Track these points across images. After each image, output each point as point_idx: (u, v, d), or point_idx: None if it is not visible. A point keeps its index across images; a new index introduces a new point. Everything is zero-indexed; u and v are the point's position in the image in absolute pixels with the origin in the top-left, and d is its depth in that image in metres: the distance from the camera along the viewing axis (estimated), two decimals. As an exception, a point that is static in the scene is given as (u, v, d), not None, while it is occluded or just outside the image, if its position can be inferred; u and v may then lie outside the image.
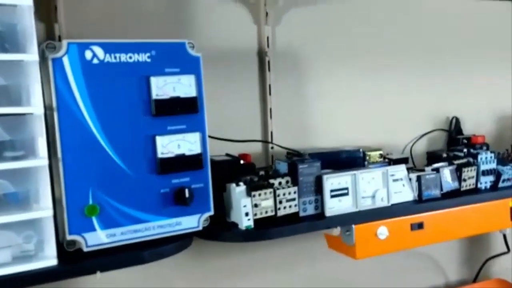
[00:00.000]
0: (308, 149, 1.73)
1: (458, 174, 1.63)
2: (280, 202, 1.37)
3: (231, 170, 1.47)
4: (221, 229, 1.34)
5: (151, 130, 1.21)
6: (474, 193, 1.65)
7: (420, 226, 1.53)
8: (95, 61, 1.16)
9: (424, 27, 2.01)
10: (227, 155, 1.57)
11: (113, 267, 1.18)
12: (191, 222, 1.27)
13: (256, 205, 1.34)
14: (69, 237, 1.15)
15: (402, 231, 1.51)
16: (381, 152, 1.71)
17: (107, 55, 1.17)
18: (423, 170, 1.63)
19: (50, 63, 1.11)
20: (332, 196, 1.44)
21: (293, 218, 1.39)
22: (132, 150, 1.20)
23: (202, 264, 1.69)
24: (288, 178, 1.41)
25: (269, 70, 1.72)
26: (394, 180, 1.56)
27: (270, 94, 1.73)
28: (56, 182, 1.15)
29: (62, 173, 1.13)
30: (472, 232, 1.66)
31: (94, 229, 1.17)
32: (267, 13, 1.70)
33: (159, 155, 1.22)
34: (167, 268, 1.62)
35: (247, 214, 1.33)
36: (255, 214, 1.34)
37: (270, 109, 1.73)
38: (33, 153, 1.13)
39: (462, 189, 1.64)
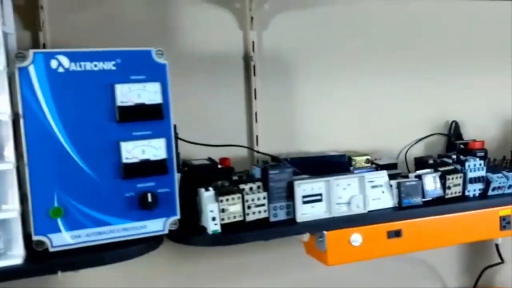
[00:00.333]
0: (293, 153, 1.73)
1: (442, 181, 1.59)
2: (249, 207, 1.38)
3: (208, 174, 1.49)
4: (189, 233, 1.37)
5: (115, 136, 1.25)
6: (461, 201, 1.61)
7: (397, 234, 1.51)
8: (61, 69, 1.20)
9: (420, 28, 1.96)
10: (209, 159, 1.59)
11: (75, 267, 1.22)
12: (156, 226, 1.30)
13: (223, 210, 1.36)
14: (35, 238, 1.20)
15: (377, 239, 1.49)
16: (368, 157, 1.70)
17: (72, 64, 1.21)
18: (407, 177, 1.61)
19: (16, 72, 1.17)
20: (305, 202, 1.44)
21: (263, 224, 1.40)
22: (97, 155, 1.24)
23: (184, 267, 1.72)
24: (260, 184, 1.42)
25: (254, 74, 1.73)
26: (373, 187, 1.54)
27: (255, 98, 1.74)
28: (23, 185, 1.20)
29: (28, 176, 1.19)
30: (458, 241, 1.62)
31: (59, 231, 1.22)
32: (252, 18, 1.71)
33: (123, 160, 1.25)
34: (150, 270, 1.67)
35: (214, 219, 1.35)
36: (223, 219, 1.36)
37: (256, 114, 1.74)
38: (1, 157, 1.19)
39: (447, 196, 1.60)
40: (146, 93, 1.27)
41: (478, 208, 1.61)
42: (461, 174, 1.61)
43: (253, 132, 1.75)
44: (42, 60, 1.19)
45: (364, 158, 1.69)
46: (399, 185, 1.54)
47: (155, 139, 1.28)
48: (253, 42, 1.72)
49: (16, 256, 1.19)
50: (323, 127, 1.85)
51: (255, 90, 1.73)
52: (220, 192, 1.36)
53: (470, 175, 1.62)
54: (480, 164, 1.64)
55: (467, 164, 1.63)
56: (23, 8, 1.49)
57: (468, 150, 1.88)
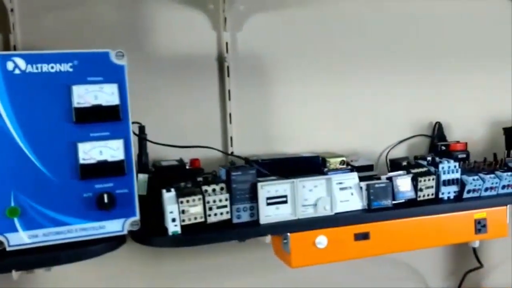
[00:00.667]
0: (266, 155, 1.72)
1: (414, 183, 1.57)
2: (210, 208, 1.38)
3: (175, 175, 1.49)
4: (150, 234, 1.37)
5: (73, 137, 1.26)
6: (434, 204, 1.58)
7: (365, 236, 1.49)
8: (17, 71, 1.22)
9: (403, 26, 1.93)
10: (179, 160, 1.60)
11: (31, 266, 1.24)
12: (115, 226, 1.31)
13: (183, 211, 1.36)
14: (-8, 237, 1.23)
15: (344, 241, 1.47)
16: (343, 158, 1.68)
17: (29, 65, 1.23)
18: (379, 179, 1.59)
19: (-27, 74, 1.19)
20: (269, 204, 1.43)
21: (225, 225, 1.40)
22: (55, 156, 1.25)
23: (154, 267, 1.73)
24: (223, 185, 1.41)
25: (228, 75, 1.73)
26: (342, 189, 1.52)
27: (229, 99, 1.74)
28: (-19, 185, 1.22)
29: (-16, 177, 1.21)
30: (430, 244, 1.59)
31: (16, 230, 1.24)
32: (225, 19, 1.70)
33: (80, 161, 1.26)
34: (122, 269, 1.69)
35: (174, 220, 1.35)
36: (183, 220, 1.36)
37: (230, 115, 1.74)
38: (-42, 158, 1.21)
39: (419, 199, 1.57)
40: (103, 94, 1.28)
41: (451, 210, 1.58)
42: (434, 176, 1.58)
43: (227, 133, 1.75)
44: (-2, 62, 1.20)
45: (339, 159, 1.67)
46: (368, 187, 1.52)
47: (113, 140, 1.29)
48: (226, 43, 1.72)
49: (-27, 254, 1.21)
50: (300, 128, 1.83)
51: (229, 91, 1.73)
52: (181, 193, 1.36)
53: (444, 177, 1.59)
54: (455, 166, 1.61)
55: (440, 166, 1.59)
56: (-6, 11, 1.52)
57: (449, 152, 1.85)
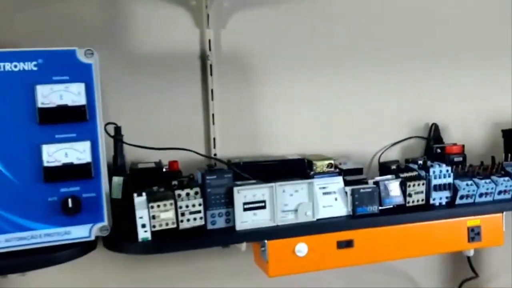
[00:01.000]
0: (250, 157, 1.66)
1: (403, 188, 1.49)
2: (183, 214, 1.31)
3: (151, 178, 1.43)
4: (119, 240, 1.31)
5: (37, 139, 1.21)
6: (424, 210, 1.49)
7: (349, 244, 1.41)
8: (-22, 70, 1.17)
9: (396, 22, 1.84)
10: (157, 162, 1.54)
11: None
12: (81, 232, 1.26)
13: (154, 217, 1.29)
14: (-48, 242, 1.18)
15: (326, 249, 1.39)
16: (331, 161, 1.60)
17: (-9, 64, 1.18)
18: (366, 183, 1.51)
19: None
20: (246, 209, 1.36)
21: (199, 231, 1.33)
22: (18, 158, 1.20)
23: (135, 272, 1.67)
24: (198, 189, 1.35)
25: (211, 74, 1.66)
26: (325, 193, 1.45)
27: (212, 99, 1.67)
28: None
29: None
30: (419, 253, 1.50)
31: (-24, 235, 1.19)
32: (208, 16, 1.64)
33: (45, 164, 1.21)
34: (100, 274, 1.63)
35: (143, 226, 1.29)
36: (154, 226, 1.30)
37: (213, 115, 1.68)
38: None
39: (408, 205, 1.49)
40: (69, 94, 1.22)
41: (443, 217, 1.49)
42: (424, 181, 1.49)
43: (210, 135, 1.68)
44: (-42, 61, 1.16)
45: (326, 162, 1.59)
46: (353, 192, 1.44)
47: (79, 142, 1.23)
48: (209, 41, 1.65)
49: None
50: (287, 130, 1.76)
51: (212, 90, 1.66)
52: (152, 198, 1.30)
53: (435, 182, 1.51)
54: (447, 171, 1.52)
55: (431, 170, 1.51)
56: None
57: (445, 155, 1.76)
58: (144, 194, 1.31)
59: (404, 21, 1.85)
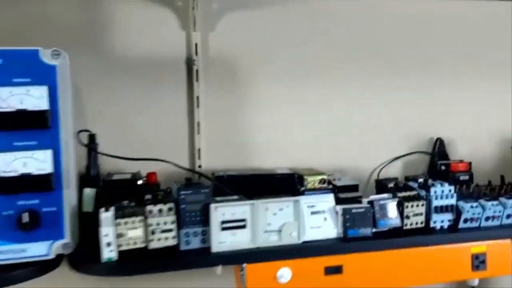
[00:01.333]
0: (237, 170, 1.54)
1: (400, 209, 1.35)
2: (153, 232, 1.20)
3: (124, 190, 1.32)
4: (83, 259, 1.19)
5: (-8, 146, 1.10)
6: (423, 234, 1.36)
7: (337, 270, 1.28)
8: None
9: (399, 28, 1.72)
10: (134, 173, 1.42)
11: None
12: (39, 249, 1.14)
13: (121, 235, 1.18)
14: None
15: (312, 275, 1.26)
16: (323, 176, 1.47)
17: None
18: (360, 202, 1.38)
19: None
20: (224, 229, 1.24)
21: (171, 252, 1.21)
22: (-29, 167, 1.10)
23: None
24: (172, 205, 1.23)
25: (197, 80, 1.55)
26: (314, 213, 1.32)
27: (198, 106, 1.55)
28: None
29: None
30: (418, 281, 1.35)
31: None
32: (195, 17, 1.52)
33: (0, 174, 1.10)
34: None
35: (109, 244, 1.17)
36: (120, 245, 1.18)
37: (198, 124, 1.56)
38: None
39: (405, 227, 1.35)
40: (30, 98, 1.11)
41: (444, 242, 1.35)
42: (424, 202, 1.36)
43: (195, 145, 1.56)
44: None
45: (319, 177, 1.47)
46: (344, 212, 1.31)
47: (40, 151, 1.12)
48: (196, 45, 1.54)
49: None
50: (279, 140, 1.64)
51: (197, 97, 1.55)
52: (120, 214, 1.19)
53: (436, 203, 1.37)
54: (450, 191, 1.39)
55: (432, 190, 1.37)
56: None
57: (450, 173, 1.63)
58: (112, 209, 1.20)
59: (405, 25, 1.72)
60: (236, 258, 1.23)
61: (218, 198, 1.29)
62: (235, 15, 1.57)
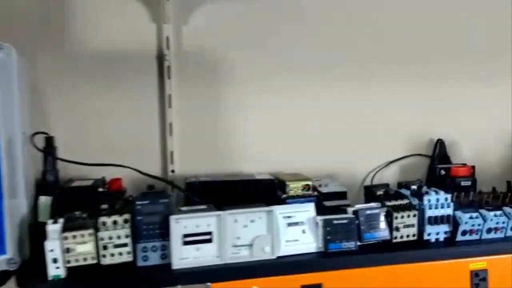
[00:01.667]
0: (212, 176, 1.39)
1: (389, 220, 1.20)
2: (105, 247, 1.07)
3: (82, 199, 1.20)
4: (30, 277, 1.07)
5: None
6: (416, 248, 1.20)
7: (316, 289, 1.13)
8: None
9: (397, 19, 1.58)
10: (98, 180, 1.30)
11: None
12: (-25, 267, 1.02)
13: (68, 250, 1.05)
14: None
15: (287, 295, 1.12)
16: (308, 182, 1.33)
17: None
18: (345, 212, 1.23)
19: None
20: (187, 243, 1.10)
21: (127, 269, 1.08)
22: None
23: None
24: (128, 216, 1.10)
25: (169, 77, 1.41)
26: (291, 224, 1.18)
27: (170, 106, 1.42)
28: None
29: None
30: (409, 301, 1.21)
31: None
32: (166, 9, 1.39)
33: None
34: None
35: (55, 261, 1.04)
36: (68, 261, 1.05)
37: (171, 125, 1.43)
38: None
39: (394, 240, 1.20)
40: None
41: (439, 258, 1.20)
42: (415, 212, 1.20)
43: (167, 148, 1.43)
44: None
45: (301, 183, 1.33)
46: (325, 224, 1.17)
47: (-25, 156, 1.00)
48: (167, 38, 1.40)
49: None
50: (263, 144, 1.50)
51: (169, 96, 1.42)
52: (67, 227, 1.06)
53: (430, 213, 1.22)
54: (446, 199, 1.23)
55: (425, 198, 1.22)
56: None
57: (450, 178, 1.47)
58: (61, 221, 1.07)
59: (402, 20, 1.58)
60: (200, 276, 1.09)
61: (184, 208, 1.15)
62: (211, 7, 1.44)
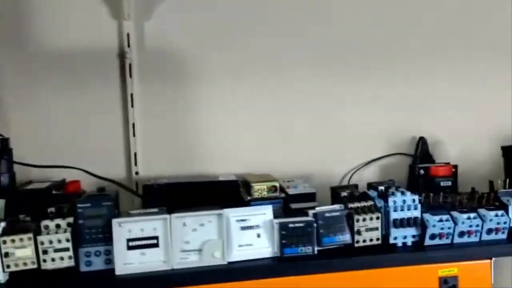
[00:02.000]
0: (177, 178, 1.35)
1: (350, 223, 1.13)
2: (45, 252, 1.03)
3: (35, 201, 1.16)
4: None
5: None
6: (381, 253, 1.13)
7: (270, 296, 1.07)
8: None
9: (374, 12, 1.50)
10: (54, 182, 1.27)
11: None
12: None
13: (7, 254, 1.01)
14: None
15: (238, 303, 1.07)
16: (274, 183, 1.28)
17: None
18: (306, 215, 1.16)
19: None
20: (132, 248, 1.05)
21: (68, 274, 1.04)
22: None
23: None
24: (72, 220, 1.06)
25: (130, 76, 1.37)
26: (245, 228, 1.12)
27: (132, 105, 1.38)
28: None
29: None
30: (372, 309, 1.13)
31: None
32: (124, 4, 1.35)
33: None
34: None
35: (-6, 266, 1.01)
36: (8, 266, 1.02)
37: (133, 125, 1.39)
38: None
39: (356, 245, 1.13)
40: None
41: (404, 263, 1.13)
42: (378, 214, 1.13)
43: (131, 148, 1.39)
44: None
45: (266, 185, 1.27)
46: (280, 227, 1.10)
47: None
48: (128, 35, 1.36)
49: None
50: (231, 144, 1.45)
51: (131, 95, 1.38)
52: (6, 230, 1.02)
53: (395, 215, 1.14)
54: (414, 201, 1.15)
55: (391, 200, 1.14)
56: None
57: (429, 178, 1.39)
58: (3, 224, 1.04)
59: (381, 15, 1.50)
60: (146, 282, 1.04)
61: (133, 212, 1.11)
62: (174, 2, 1.39)
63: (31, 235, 1.02)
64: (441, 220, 1.14)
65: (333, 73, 1.49)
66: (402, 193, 1.16)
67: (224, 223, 1.09)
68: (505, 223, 1.17)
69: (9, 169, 1.25)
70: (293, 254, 1.10)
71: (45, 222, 1.05)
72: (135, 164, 1.39)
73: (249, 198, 1.25)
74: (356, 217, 1.12)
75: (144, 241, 1.06)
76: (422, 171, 1.41)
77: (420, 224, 1.15)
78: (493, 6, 1.53)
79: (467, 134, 1.56)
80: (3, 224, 1.04)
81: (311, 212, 1.15)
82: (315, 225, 1.11)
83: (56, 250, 1.03)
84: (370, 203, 1.16)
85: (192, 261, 1.08)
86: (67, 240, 1.04)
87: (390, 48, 1.51)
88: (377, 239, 1.14)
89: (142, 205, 1.25)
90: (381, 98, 1.52)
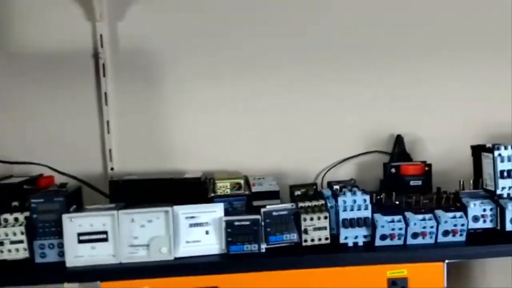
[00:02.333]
0: (145, 174, 1.39)
1: (298, 222, 1.13)
2: (1, 243, 1.10)
3: (7, 196, 1.24)
4: None
5: None
6: (328, 252, 1.13)
7: (212, 292, 1.10)
8: None
9: (350, 16, 1.48)
10: (31, 177, 1.34)
11: None
12: None
13: (-35, 246, 1.09)
14: None
15: (181, 297, 1.09)
16: (238, 181, 1.30)
17: None
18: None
19: None
20: (82, 241, 1.11)
21: (24, 265, 1.11)
22: None
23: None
24: (29, 214, 1.12)
25: (104, 75, 1.42)
26: (194, 225, 1.15)
27: (106, 104, 1.43)
28: None
29: None
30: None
31: None
32: (95, 6, 1.39)
33: None
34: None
35: (-46, 255, 1.09)
36: (-33, 256, 1.10)
37: (108, 123, 1.44)
38: None
39: (305, 244, 1.13)
40: None
41: (351, 263, 1.12)
42: (326, 214, 1.13)
43: (106, 145, 1.44)
44: None
45: (229, 182, 1.29)
46: (227, 225, 1.12)
47: None
48: (101, 36, 1.41)
49: None
50: (204, 141, 1.48)
51: (105, 94, 1.43)
52: (-37, 223, 1.10)
53: (344, 215, 1.13)
54: (365, 201, 1.14)
55: (340, 199, 1.14)
56: None
57: (400, 176, 1.37)
58: (-38, 218, 1.12)
59: (357, 11, 1.48)
60: (93, 275, 1.09)
61: (90, 207, 1.16)
62: (148, 2, 1.43)
63: (-13, 228, 1.10)
64: (392, 221, 1.13)
65: (309, 70, 1.48)
66: (353, 193, 1.15)
67: (171, 220, 1.12)
68: (462, 225, 1.14)
69: (-14, 165, 1.35)
70: (238, 251, 1.12)
71: (4, 216, 1.12)
72: (110, 160, 1.44)
73: (212, 195, 1.28)
74: (303, 216, 1.12)
75: (94, 235, 1.11)
76: (393, 170, 1.39)
77: (370, 225, 1.14)
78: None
79: (452, 133, 1.51)
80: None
81: (264, 210, 1.17)
82: (262, 223, 1.13)
83: (12, 242, 1.10)
84: (321, 202, 1.16)
85: (140, 256, 1.12)
86: (22, 233, 1.10)
87: (372, 48, 1.48)
88: (326, 239, 1.13)
89: (110, 200, 1.30)
90: (359, 94, 1.50)
